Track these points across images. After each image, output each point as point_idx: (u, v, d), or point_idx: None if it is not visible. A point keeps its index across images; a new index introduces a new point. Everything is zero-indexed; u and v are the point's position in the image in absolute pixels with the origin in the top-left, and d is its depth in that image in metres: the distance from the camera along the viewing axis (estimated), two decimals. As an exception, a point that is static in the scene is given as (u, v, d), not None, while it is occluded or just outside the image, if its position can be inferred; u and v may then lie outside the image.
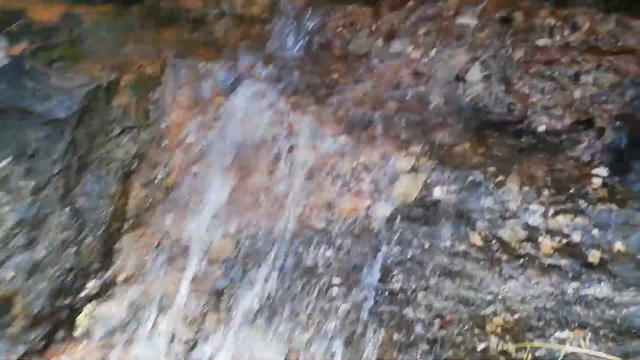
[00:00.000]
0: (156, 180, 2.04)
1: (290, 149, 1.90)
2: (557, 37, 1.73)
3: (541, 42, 1.75)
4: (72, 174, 1.95)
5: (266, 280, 1.84)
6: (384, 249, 1.76)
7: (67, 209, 1.92)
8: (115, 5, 2.11)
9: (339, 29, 2.03)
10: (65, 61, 1.98)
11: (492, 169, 1.69)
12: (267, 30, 2.11)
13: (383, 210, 1.77)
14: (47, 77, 1.96)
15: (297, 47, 2.06)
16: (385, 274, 1.75)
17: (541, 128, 1.78)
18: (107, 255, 2.00)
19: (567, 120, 1.75)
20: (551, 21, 1.74)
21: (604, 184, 1.61)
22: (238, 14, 2.14)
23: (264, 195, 1.92)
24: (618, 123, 1.65)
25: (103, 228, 1.98)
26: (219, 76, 2.03)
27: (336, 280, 1.80)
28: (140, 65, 2.02)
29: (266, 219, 1.90)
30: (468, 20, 1.84)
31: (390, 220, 1.76)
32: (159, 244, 2.01)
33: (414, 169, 1.75)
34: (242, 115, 1.97)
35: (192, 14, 2.14)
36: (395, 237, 1.75)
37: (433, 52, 1.91)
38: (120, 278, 2.01)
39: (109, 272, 2.00)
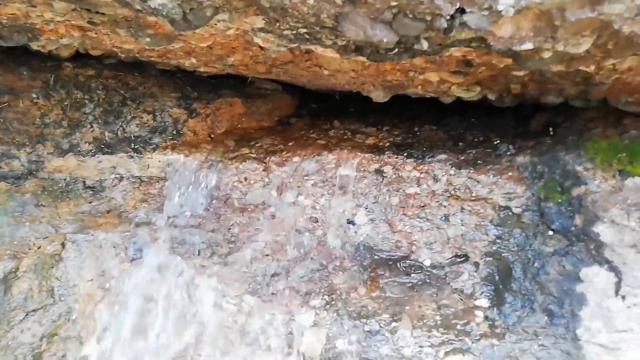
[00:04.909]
0: (70, 354, 2.03)
1: (198, 311, 1.96)
2: (424, 186, 1.93)
3: (411, 190, 1.95)
4: (-23, 370, 1.91)
5: None
6: (300, 400, 1.84)
7: (-26, 406, 1.88)
8: (8, 183, 2.11)
9: (235, 183, 2.15)
10: (-42, 254, 1.96)
11: (386, 315, 1.83)
12: (166, 189, 2.18)
13: (293, 364, 1.85)
14: (-61, 274, 1.93)
15: (197, 203, 2.15)
16: None
17: (427, 262, 1.95)
18: None
19: (447, 254, 1.93)
20: (416, 174, 1.94)
21: (485, 317, 1.79)
22: (136, 176, 2.20)
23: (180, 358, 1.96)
24: (488, 259, 1.85)
25: (17, 411, 1.95)
26: (121, 244, 2.07)
27: None
28: (40, 246, 2.02)
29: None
30: (348, 172, 2.01)
31: (302, 373, 1.84)
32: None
33: (316, 324, 1.85)
34: (148, 282, 2.02)
35: (89, 181, 2.18)
36: (309, 389, 1.84)
37: (323, 200, 2.06)
38: None
39: None
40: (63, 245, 2.04)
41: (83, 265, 2.05)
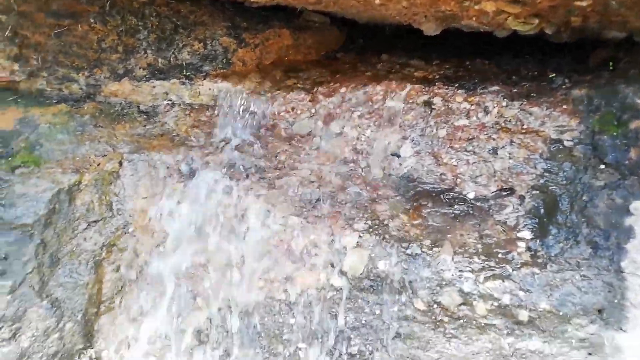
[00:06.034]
0: (127, 264, 2.19)
1: (246, 229, 2.06)
2: (474, 119, 1.91)
3: (460, 122, 1.93)
4: (46, 270, 2.09)
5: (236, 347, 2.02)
6: (340, 317, 1.93)
7: (45, 302, 2.07)
8: (68, 105, 2.22)
9: (282, 113, 2.19)
10: (28, 167, 2.10)
11: (427, 241, 1.87)
12: (216, 116, 2.25)
13: (337, 282, 1.94)
14: (11, 185, 2.08)
15: (246, 131, 2.21)
16: (344, 339, 1.93)
17: (471, 195, 1.97)
18: (88, 337, 2.15)
19: (493, 188, 1.93)
20: (466, 105, 1.92)
21: (528, 248, 1.81)
22: (187, 103, 2.27)
23: (227, 271, 2.08)
24: (535, 192, 1.85)
25: (81, 313, 2.13)
26: (174, 166, 2.16)
27: (301, 345, 1.98)
28: (99, 163, 2.14)
29: (232, 291, 2.06)
30: (395, 104, 2.01)
31: (344, 291, 1.93)
32: (135, 320, 2.18)
33: (359, 245, 1.92)
34: (199, 201, 2.12)
35: (143, 106, 2.27)
36: (350, 306, 1.92)
37: (368, 131, 2.08)
38: (104, 355, 2.17)
39: (92, 351, 2.16)
40: (120, 163, 2.16)
41: (139, 183, 2.16)
